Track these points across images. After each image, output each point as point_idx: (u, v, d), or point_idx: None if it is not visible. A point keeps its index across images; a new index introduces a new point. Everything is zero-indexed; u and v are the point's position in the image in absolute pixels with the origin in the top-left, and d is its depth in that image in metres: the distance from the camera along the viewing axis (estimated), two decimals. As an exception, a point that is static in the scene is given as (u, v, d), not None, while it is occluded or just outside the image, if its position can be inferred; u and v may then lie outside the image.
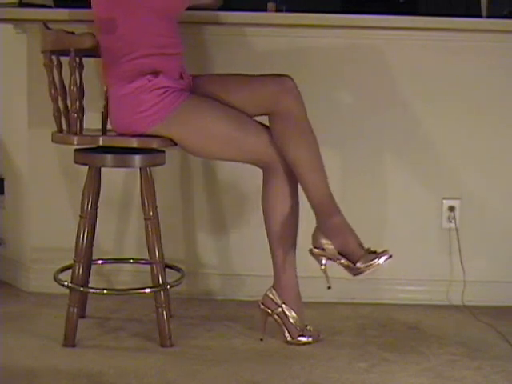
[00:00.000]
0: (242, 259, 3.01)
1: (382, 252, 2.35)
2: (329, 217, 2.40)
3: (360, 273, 2.35)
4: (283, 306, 2.51)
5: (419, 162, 2.99)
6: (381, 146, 2.99)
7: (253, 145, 2.47)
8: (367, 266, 2.33)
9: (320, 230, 2.41)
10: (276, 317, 2.52)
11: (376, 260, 2.32)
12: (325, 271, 2.41)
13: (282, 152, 2.43)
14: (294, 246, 2.53)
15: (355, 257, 2.35)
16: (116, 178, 2.96)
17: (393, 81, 2.95)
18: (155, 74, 2.41)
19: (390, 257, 2.33)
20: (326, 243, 2.39)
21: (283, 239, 2.50)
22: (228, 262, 3.04)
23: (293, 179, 2.48)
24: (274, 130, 2.45)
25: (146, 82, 2.40)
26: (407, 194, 3.00)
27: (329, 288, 2.41)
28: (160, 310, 2.46)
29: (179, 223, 3.03)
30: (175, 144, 2.47)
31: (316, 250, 2.41)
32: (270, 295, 2.53)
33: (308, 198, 2.43)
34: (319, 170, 2.42)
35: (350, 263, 2.36)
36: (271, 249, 2.53)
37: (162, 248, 2.51)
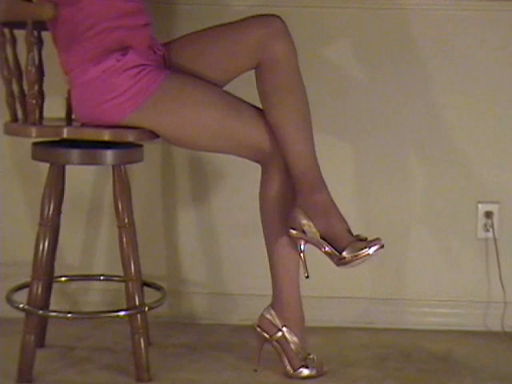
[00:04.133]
0: (234, 276, 2.87)
1: (374, 240, 2.18)
2: (311, 192, 2.24)
3: (345, 263, 2.18)
4: (284, 329, 2.33)
5: (449, 158, 2.80)
6: (402, 140, 2.80)
7: (249, 133, 2.31)
8: (354, 256, 2.16)
9: (300, 208, 2.25)
10: (275, 343, 2.34)
11: (365, 249, 2.15)
12: (303, 258, 2.27)
13: (265, 111, 2.29)
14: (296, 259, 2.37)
15: (341, 243, 2.19)
16: (84, 178, 2.84)
17: (421, 60, 2.75)
18: (123, 50, 2.27)
19: (382, 246, 2.17)
20: (306, 224, 2.23)
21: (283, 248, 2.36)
22: (218, 279, 2.89)
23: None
24: (258, 86, 2.32)
25: (115, 62, 2.25)
26: (434, 197, 2.82)
27: (307, 277, 2.26)
28: (136, 336, 2.31)
29: (160, 232, 2.89)
30: (156, 136, 2.32)
31: (294, 232, 2.24)
32: (268, 316, 2.35)
33: (289, 167, 2.28)
34: (306, 136, 2.27)
35: (334, 251, 2.20)
36: (270, 260, 2.38)
37: (138, 262, 2.37)
